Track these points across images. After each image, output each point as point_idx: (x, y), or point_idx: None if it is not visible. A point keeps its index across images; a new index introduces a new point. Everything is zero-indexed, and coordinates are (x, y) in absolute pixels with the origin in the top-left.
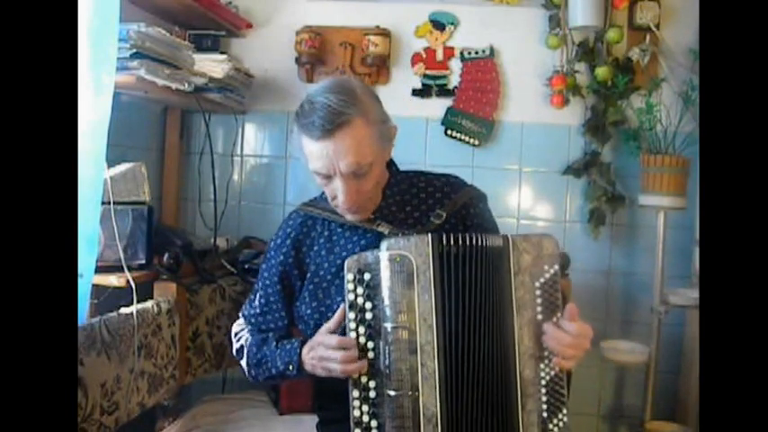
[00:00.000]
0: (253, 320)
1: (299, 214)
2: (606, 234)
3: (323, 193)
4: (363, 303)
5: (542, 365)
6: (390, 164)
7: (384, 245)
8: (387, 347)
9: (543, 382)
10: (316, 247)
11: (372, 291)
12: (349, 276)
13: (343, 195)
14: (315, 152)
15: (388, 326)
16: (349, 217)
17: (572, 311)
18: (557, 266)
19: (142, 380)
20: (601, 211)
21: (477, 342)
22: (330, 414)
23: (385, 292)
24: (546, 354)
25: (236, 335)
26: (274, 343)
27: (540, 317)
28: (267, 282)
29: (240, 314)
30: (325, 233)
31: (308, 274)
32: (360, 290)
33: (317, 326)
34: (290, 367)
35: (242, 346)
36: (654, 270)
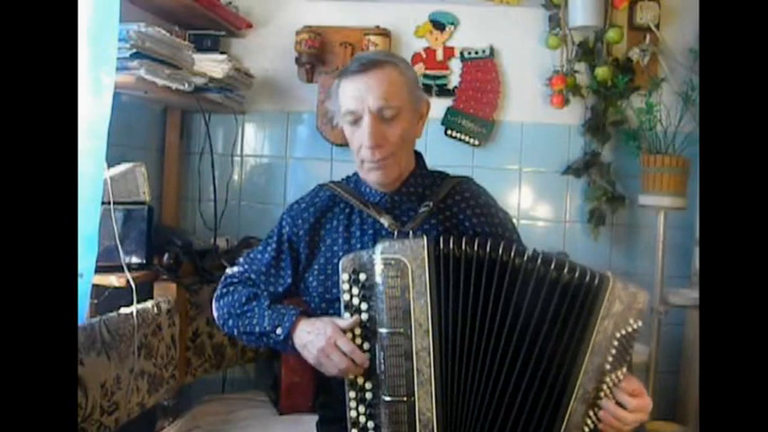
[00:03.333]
0: (254, 268)
1: (326, 190)
2: (606, 234)
3: (348, 176)
4: (359, 304)
5: (591, 413)
6: (419, 157)
7: (379, 248)
8: (382, 352)
9: (587, 430)
10: (335, 222)
11: (368, 291)
12: (344, 276)
13: (369, 131)
14: (348, 90)
15: (384, 331)
16: (372, 177)
17: (635, 388)
18: (641, 323)
19: (142, 380)
20: (601, 211)
21: (487, 350)
22: (331, 413)
23: (380, 297)
24: (598, 402)
25: (225, 278)
26: (267, 302)
27: (608, 366)
28: (284, 238)
29: (240, 262)
30: (347, 210)
31: (322, 248)
32: (355, 290)
33: (321, 299)
34: (278, 331)
35: (228, 292)
36: (654, 270)
